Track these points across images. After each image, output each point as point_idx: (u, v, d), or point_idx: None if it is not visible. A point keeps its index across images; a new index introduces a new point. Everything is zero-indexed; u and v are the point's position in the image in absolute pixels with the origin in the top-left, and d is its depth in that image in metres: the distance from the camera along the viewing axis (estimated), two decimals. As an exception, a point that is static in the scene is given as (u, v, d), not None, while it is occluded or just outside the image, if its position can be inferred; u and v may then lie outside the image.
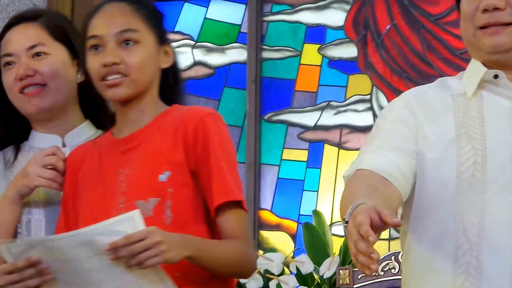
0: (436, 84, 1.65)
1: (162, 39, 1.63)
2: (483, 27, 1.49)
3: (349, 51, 3.43)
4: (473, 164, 1.53)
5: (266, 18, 3.48)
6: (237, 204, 1.47)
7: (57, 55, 1.79)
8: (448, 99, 1.60)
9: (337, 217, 3.10)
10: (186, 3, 3.71)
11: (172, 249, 1.41)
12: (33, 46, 1.81)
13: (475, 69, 1.55)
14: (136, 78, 1.56)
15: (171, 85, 1.68)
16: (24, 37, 1.84)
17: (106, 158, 1.60)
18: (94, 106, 1.83)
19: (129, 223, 1.42)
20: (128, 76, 1.54)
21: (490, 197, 1.52)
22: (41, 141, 1.83)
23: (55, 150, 1.70)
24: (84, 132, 1.83)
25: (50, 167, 1.69)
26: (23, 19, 1.88)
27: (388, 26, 3.51)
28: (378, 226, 1.22)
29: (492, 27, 1.50)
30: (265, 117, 3.43)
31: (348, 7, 3.58)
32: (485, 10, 1.48)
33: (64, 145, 1.81)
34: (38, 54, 1.80)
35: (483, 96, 1.57)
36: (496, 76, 1.53)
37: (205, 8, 3.72)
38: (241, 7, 3.62)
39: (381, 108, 3.38)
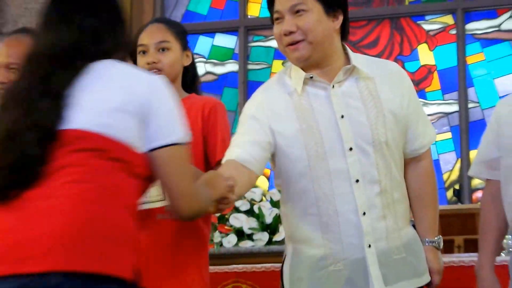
0: (277, 80, 2.03)
1: (185, 47, 2.12)
2: (288, 45, 1.86)
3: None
4: (314, 145, 1.95)
5: (250, 44, 4.93)
6: None
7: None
8: (286, 96, 1.98)
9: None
10: (201, 36, 5.16)
11: None
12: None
13: (298, 72, 1.92)
14: (168, 72, 2.01)
15: (190, 79, 2.17)
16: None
17: None
18: None
19: None
20: (163, 71, 2.00)
21: (333, 167, 1.92)
22: None
23: None
24: None
25: None
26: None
27: None
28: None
29: (292, 45, 1.84)
30: (250, 105, 4.57)
31: None
32: (285, 34, 1.84)
33: None
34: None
35: (308, 90, 1.92)
36: (311, 77, 1.90)
37: (212, 39, 5.12)
38: (234, 38, 5.06)
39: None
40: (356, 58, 2.02)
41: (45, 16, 1.70)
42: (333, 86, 1.94)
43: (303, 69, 1.93)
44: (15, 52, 2.33)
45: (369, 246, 1.99)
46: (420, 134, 2.12)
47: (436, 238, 2.10)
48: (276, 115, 1.99)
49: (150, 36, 2.15)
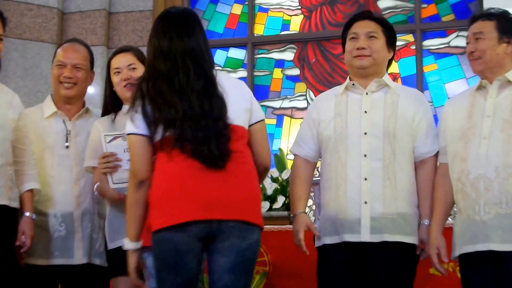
0: (334, 88, 2.53)
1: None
2: (356, 56, 2.35)
3: (296, 71, 5.13)
4: (340, 128, 2.39)
5: (255, 56, 5.28)
6: None
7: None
8: (333, 97, 2.46)
9: (289, 151, 3.52)
10: (217, 49, 5.49)
11: None
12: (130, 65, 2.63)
13: (346, 81, 2.44)
14: None
15: None
16: (125, 59, 2.66)
17: None
18: None
19: None
20: None
21: (350, 145, 2.35)
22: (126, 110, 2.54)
23: None
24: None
25: None
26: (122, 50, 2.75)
27: (313, 60, 5.22)
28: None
29: (359, 57, 2.35)
30: (255, 104, 5.06)
31: (295, 50, 5.28)
32: (357, 49, 2.35)
33: None
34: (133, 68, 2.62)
35: (348, 94, 2.41)
36: (353, 84, 2.38)
37: (227, 52, 5.52)
38: (244, 51, 5.45)
39: (311, 99, 4.92)
40: (389, 79, 2.48)
41: (173, 25, 2.09)
42: (366, 93, 2.41)
43: (356, 76, 2.42)
44: (75, 55, 2.84)
45: (365, 202, 2.34)
46: (427, 144, 2.44)
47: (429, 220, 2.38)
48: (321, 109, 2.50)
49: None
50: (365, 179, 2.37)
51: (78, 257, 2.78)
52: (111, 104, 2.76)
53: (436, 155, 2.46)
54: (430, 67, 5.12)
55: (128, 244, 2.17)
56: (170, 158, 2.03)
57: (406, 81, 5.07)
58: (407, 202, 2.40)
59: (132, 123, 2.10)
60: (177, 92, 2.05)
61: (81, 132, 2.85)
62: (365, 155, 2.37)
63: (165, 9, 2.50)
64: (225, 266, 2.05)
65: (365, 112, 2.40)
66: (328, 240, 2.42)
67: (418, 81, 5.02)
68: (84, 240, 2.81)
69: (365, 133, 2.38)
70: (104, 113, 2.80)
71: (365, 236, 2.35)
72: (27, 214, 2.63)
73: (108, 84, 2.77)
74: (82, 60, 2.84)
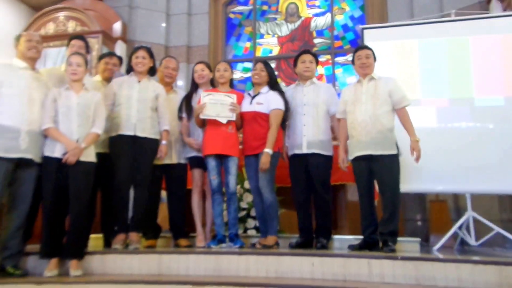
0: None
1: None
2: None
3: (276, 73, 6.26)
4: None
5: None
6: None
7: None
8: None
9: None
10: (238, 63, 8.47)
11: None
12: None
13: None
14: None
15: (231, 82, 4.98)
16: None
17: None
18: None
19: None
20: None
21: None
22: None
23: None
24: None
25: None
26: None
27: (283, 67, 8.55)
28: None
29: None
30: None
31: (275, 63, 8.38)
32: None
33: None
34: None
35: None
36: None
37: (242, 64, 8.61)
38: (251, 64, 8.47)
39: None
40: (316, 80, 4.66)
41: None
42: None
43: (302, 79, 4.61)
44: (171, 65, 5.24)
45: (304, 135, 4.61)
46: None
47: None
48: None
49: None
50: (304, 125, 4.51)
51: (175, 158, 5.12)
52: (192, 86, 5.06)
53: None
54: (338, 71, 8.24)
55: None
56: None
57: (328, 79, 8.15)
58: (326, 135, 4.66)
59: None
60: None
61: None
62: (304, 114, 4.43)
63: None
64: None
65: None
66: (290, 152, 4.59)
67: (333, 78, 8.12)
68: (176, 148, 5.09)
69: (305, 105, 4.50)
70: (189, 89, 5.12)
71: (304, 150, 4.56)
72: (164, 142, 4.87)
73: (192, 80, 5.08)
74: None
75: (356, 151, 4.51)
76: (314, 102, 4.69)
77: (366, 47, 4.66)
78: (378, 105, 4.43)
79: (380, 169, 4.36)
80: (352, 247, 4.48)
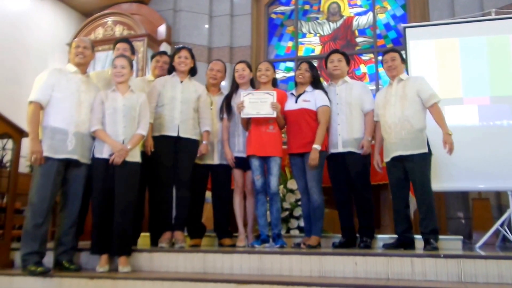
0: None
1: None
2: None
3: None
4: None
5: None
6: None
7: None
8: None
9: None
10: (281, 63, 8.61)
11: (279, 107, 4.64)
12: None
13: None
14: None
15: (274, 81, 5.07)
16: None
17: None
18: None
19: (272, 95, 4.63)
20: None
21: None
22: None
23: None
24: None
25: None
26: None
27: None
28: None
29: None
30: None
31: (317, 61, 8.21)
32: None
33: None
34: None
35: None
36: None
37: (285, 64, 8.70)
38: (293, 63, 8.63)
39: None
40: (348, 78, 4.74)
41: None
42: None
43: (333, 78, 4.76)
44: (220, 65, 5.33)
45: (339, 135, 4.75)
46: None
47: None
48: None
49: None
50: (338, 124, 4.59)
51: (217, 159, 5.18)
52: (233, 86, 5.08)
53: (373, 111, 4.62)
54: (381, 69, 8.11)
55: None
56: None
57: (371, 77, 8.07)
58: (361, 133, 4.68)
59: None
60: None
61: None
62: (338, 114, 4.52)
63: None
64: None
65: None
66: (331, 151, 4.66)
67: (376, 77, 8.12)
68: (218, 149, 5.16)
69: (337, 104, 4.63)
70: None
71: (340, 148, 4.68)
72: (204, 142, 4.97)
73: (232, 80, 5.09)
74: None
75: (389, 153, 4.59)
76: (346, 101, 4.75)
77: (391, 50, 4.78)
78: (407, 106, 4.49)
79: (411, 168, 4.42)
80: (386, 246, 4.53)
